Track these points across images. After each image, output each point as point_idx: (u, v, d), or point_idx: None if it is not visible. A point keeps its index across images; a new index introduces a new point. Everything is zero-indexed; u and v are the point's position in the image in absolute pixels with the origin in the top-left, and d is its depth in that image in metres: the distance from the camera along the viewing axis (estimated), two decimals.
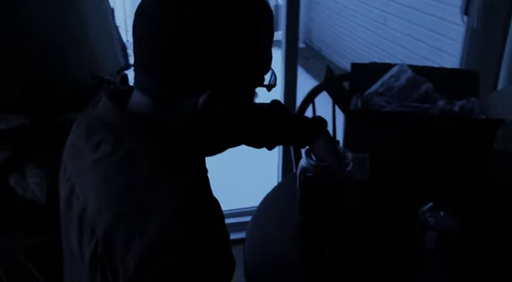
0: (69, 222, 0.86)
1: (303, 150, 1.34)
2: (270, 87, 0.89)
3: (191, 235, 0.73)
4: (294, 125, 1.31)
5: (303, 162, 1.30)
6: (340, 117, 1.88)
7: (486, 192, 1.43)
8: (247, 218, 1.39)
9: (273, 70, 0.88)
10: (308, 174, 1.27)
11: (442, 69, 1.69)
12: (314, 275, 1.15)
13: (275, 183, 1.55)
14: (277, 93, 2.31)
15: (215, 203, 0.79)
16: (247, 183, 2.91)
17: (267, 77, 0.88)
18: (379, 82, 1.58)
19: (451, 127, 1.41)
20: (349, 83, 1.66)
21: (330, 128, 1.87)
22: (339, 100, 1.47)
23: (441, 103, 1.51)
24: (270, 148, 1.32)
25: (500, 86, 2.20)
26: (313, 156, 1.26)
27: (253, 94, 0.88)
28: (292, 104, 2.32)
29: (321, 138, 1.26)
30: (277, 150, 2.44)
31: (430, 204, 1.07)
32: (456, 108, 1.50)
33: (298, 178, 1.29)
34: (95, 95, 0.93)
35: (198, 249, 0.73)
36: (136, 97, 0.85)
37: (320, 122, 1.30)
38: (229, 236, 0.80)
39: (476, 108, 1.50)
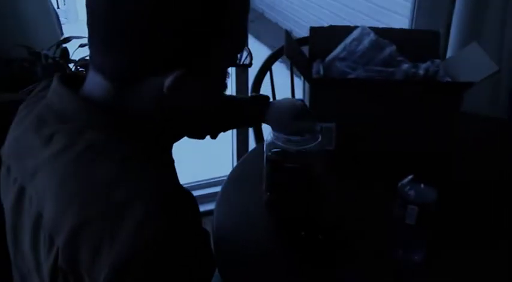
0: (20, 231, 0.75)
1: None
2: (244, 66, 0.80)
3: (169, 237, 0.64)
4: (237, 108, 1.24)
5: (269, 136, 1.22)
6: (298, 86, 1.81)
7: (457, 158, 1.40)
8: (213, 189, 1.33)
9: (248, 48, 0.80)
10: (275, 150, 1.19)
11: (403, 31, 1.63)
12: (292, 260, 1.08)
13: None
14: None
15: (189, 196, 0.69)
16: (203, 154, 2.80)
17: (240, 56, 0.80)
18: (341, 46, 1.50)
19: (418, 92, 1.35)
20: (308, 49, 1.57)
21: (288, 93, 1.81)
22: (302, 68, 1.38)
23: (405, 66, 1.45)
24: (214, 137, 1.23)
25: (451, 46, 2.17)
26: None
27: (225, 75, 0.79)
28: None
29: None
30: None
31: (410, 176, 1.01)
32: (421, 71, 1.44)
33: (265, 153, 1.21)
34: (31, 72, 0.80)
35: (179, 251, 0.65)
36: (93, 80, 0.73)
37: (263, 97, 1.25)
38: (208, 232, 0.71)
39: (441, 70, 1.45)
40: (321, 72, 1.46)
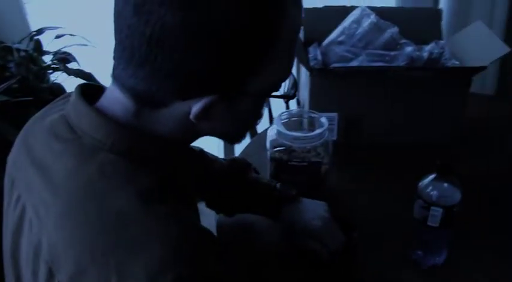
0: (20, 255, 0.66)
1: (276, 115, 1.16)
2: (287, 98, 0.69)
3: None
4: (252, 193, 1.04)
5: (271, 132, 1.13)
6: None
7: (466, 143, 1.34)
8: None
9: (293, 75, 0.68)
10: (278, 149, 1.10)
11: (402, 10, 1.54)
12: (302, 264, 1.00)
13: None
14: None
15: (211, 239, 0.61)
16: None
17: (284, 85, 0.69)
18: (339, 29, 1.40)
19: (426, 78, 1.27)
20: (303, 32, 1.47)
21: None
22: (301, 56, 1.28)
23: (409, 49, 1.36)
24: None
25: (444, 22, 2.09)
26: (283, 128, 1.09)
27: (261, 106, 0.69)
28: None
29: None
30: None
31: (432, 175, 0.93)
32: (425, 54, 1.36)
33: (268, 151, 1.12)
34: (3, 68, 0.69)
35: None
36: (112, 94, 0.64)
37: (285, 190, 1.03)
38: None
39: (446, 52, 1.37)
40: (319, 57, 1.36)
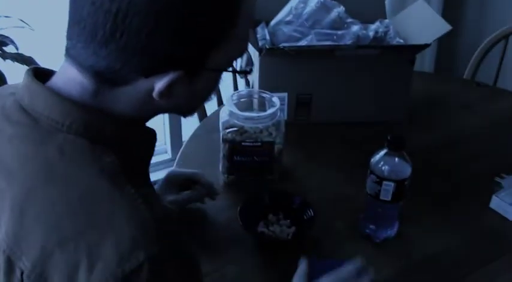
0: None
1: (225, 96, 1.15)
2: (244, 73, 0.70)
3: (158, 263, 0.56)
4: None
5: (223, 114, 1.12)
6: None
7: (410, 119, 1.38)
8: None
9: (248, 52, 0.69)
10: (231, 130, 1.10)
11: None
12: (258, 243, 1.00)
13: None
14: None
15: (175, 214, 0.64)
16: None
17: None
18: (286, 9, 1.40)
19: (372, 56, 1.29)
20: None
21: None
22: (250, 37, 1.27)
23: (355, 28, 1.38)
24: None
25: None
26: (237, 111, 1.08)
27: (218, 81, 0.69)
28: None
29: None
30: None
31: (383, 151, 0.95)
32: (371, 32, 1.38)
33: (220, 133, 1.11)
34: None
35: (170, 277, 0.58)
36: (67, 74, 0.63)
37: None
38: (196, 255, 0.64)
39: (391, 30, 1.39)
40: (267, 37, 1.36)
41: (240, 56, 0.68)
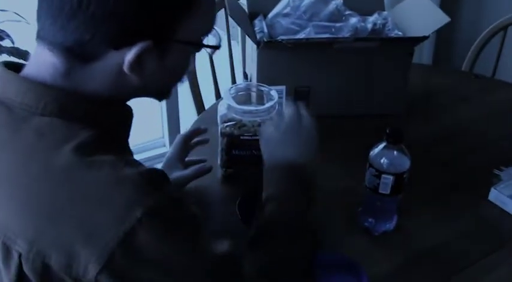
0: None
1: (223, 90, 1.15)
2: (212, 48, 0.72)
3: (160, 212, 0.60)
4: None
5: (221, 107, 1.12)
6: (235, 48, 1.69)
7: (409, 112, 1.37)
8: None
9: (216, 29, 0.72)
10: (229, 123, 1.09)
11: None
12: None
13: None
14: None
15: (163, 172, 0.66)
16: None
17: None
18: (284, 1, 1.39)
19: (370, 48, 1.28)
20: (247, 5, 1.46)
21: (226, 60, 1.69)
22: (248, 29, 1.27)
23: (353, 20, 1.37)
24: None
25: None
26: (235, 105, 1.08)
27: (189, 56, 0.72)
28: None
29: None
30: None
31: (382, 144, 0.95)
32: (369, 25, 1.38)
33: (218, 126, 1.11)
34: None
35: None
36: (38, 58, 0.65)
37: None
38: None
39: (389, 22, 1.39)
40: (265, 30, 1.35)
41: (208, 30, 0.70)
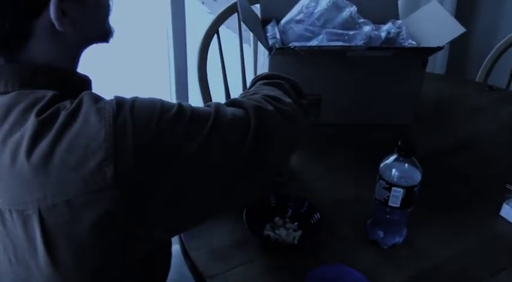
0: None
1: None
2: None
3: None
4: None
5: None
6: (247, 51, 1.68)
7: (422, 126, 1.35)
8: None
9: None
10: None
11: None
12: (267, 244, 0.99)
13: None
14: (162, 19, 2.02)
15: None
16: None
17: None
18: (297, 7, 1.38)
19: (383, 57, 1.27)
20: (260, 10, 1.45)
21: (238, 64, 1.68)
22: (260, 35, 1.26)
23: (367, 29, 1.36)
24: None
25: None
26: None
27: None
28: (181, 32, 2.05)
29: None
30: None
31: (394, 156, 0.94)
32: (383, 33, 1.36)
33: None
34: None
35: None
36: None
37: None
38: None
39: (403, 31, 1.37)
40: (277, 36, 1.34)
41: None
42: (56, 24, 0.67)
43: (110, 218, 0.63)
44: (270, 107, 0.78)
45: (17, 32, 0.67)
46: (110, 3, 0.78)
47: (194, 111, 0.70)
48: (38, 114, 0.63)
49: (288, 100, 0.84)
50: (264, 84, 0.90)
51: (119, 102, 0.66)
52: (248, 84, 0.98)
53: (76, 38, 0.72)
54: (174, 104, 0.70)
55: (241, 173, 0.73)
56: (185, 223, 0.75)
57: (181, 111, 0.68)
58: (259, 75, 0.97)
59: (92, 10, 0.73)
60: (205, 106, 0.75)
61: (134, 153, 0.62)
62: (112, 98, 0.67)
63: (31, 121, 0.63)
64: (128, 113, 0.64)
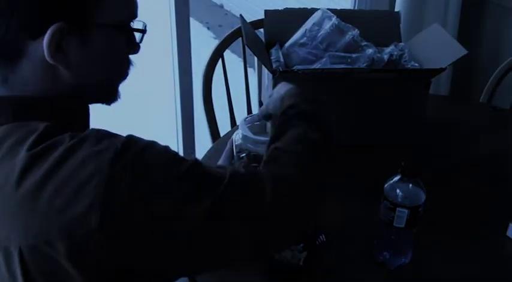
0: None
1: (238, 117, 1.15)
2: (138, 31, 0.73)
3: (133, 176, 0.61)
4: None
5: (236, 136, 1.12)
6: (252, 76, 1.70)
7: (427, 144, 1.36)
8: None
9: (144, 23, 0.74)
10: (243, 155, 1.09)
11: (361, 12, 1.55)
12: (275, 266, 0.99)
13: None
14: (168, 43, 2.05)
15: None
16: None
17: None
18: (301, 31, 1.40)
19: (386, 80, 1.28)
20: (264, 34, 1.47)
21: (242, 88, 1.70)
22: (264, 59, 1.27)
23: (370, 51, 1.37)
24: None
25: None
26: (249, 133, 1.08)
27: (115, 44, 0.70)
28: (186, 56, 2.07)
29: None
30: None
31: (397, 177, 0.94)
32: (385, 56, 1.37)
33: (235, 153, 1.11)
34: None
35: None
36: None
37: None
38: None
39: (405, 54, 1.39)
40: (281, 60, 1.36)
41: (130, 13, 0.70)
42: (46, 54, 0.64)
43: (92, 262, 0.60)
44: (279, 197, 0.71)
45: (9, 44, 0.64)
46: (128, 69, 0.74)
47: (206, 172, 0.66)
48: (29, 149, 0.61)
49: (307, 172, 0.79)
50: (293, 130, 0.84)
51: (127, 143, 0.62)
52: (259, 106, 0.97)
53: (71, 79, 0.68)
54: (187, 160, 0.65)
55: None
56: (176, 272, 0.70)
57: (192, 170, 0.64)
58: (292, 101, 0.92)
59: (95, 61, 0.69)
60: (220, 169, 0.69)
61: (125, 202, 0.59)
62: (124, 136, 0.64)
63: (22, 155, 0.61)
64: (131, 158, 0.61)
